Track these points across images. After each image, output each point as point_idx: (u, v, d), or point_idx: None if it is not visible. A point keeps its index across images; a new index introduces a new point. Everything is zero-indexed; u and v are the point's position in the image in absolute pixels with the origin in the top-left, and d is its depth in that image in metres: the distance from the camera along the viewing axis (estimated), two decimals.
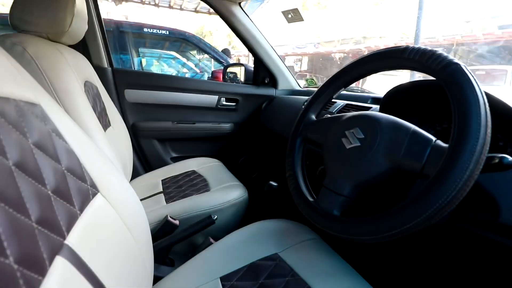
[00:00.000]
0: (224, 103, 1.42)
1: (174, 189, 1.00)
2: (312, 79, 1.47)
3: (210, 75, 3.04)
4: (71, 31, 0.76)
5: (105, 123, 0.93)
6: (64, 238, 0.32)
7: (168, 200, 0.92)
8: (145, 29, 2.65)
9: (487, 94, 0.49)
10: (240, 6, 1.22)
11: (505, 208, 0.45)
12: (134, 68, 2.80)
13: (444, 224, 0.52)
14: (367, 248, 0.87)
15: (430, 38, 8.51)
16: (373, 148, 0.46)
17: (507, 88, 6.04)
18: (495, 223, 0.46)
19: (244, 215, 0.96)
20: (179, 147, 1.44)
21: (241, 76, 1.54)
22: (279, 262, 0.59)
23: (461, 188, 0.35)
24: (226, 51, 3.52)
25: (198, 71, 3.32)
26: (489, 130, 0.37)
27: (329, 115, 0.62)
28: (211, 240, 0.78)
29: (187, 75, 3.46)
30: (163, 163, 1.37)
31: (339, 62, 12.05)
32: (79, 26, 0.81)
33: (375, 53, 0.53)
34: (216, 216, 0.78)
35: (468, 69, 0.40)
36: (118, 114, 1.11)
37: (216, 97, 1.40)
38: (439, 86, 0.43)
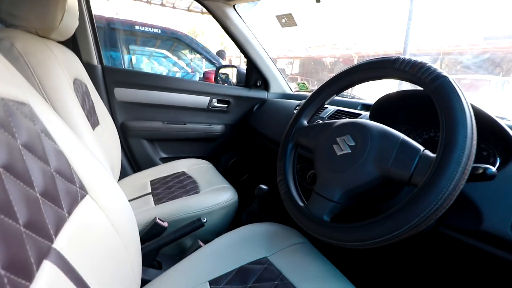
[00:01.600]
0: (216, 104, 1.42)
1: (163, 190, 0.99)
2: (304, 83, 1.49)
3: (201, 75, 3.03)
4: (62, 27, 0.74)
5: (94, 122, 0.91)
6: (52, 242, 0.31)
7: (157, 201, 0.91)
8: (137, 27, 2.61)
9: (472, 106, 0.52)
10: (234, 8, 1.22)
11: (488, 217, 0.47)
12: (124, 66, 2.75)
13: (430, 231, 0.54)
14: (355, 253, 0.88)
15: (418, 47, 8.78)
16: (363, 155, 0.47)
17: (490, 97, 6.30)
18: (478, 230, 0.48)
19: (234, 218, 0.96)
20: (169, 148, 1.43)
21: (233, 78, 1.54)
22: (268, 266, 0.59)
23: (447, 198, 0.36)
24: (220, 53, 3.50)
25: (190, 70, 3.29)
26: (474, 142, 0.38)
27: (321, 121, 0.63)
28: (200, 243, 0.77)
29: (178, 75, 3.42)
30: (152, 164, 1.35)
31: (329, 67, 12.23)
32: (70, 22, 0.79)
33: (367, 63, 0.54)
34: (205, 219, 0.78)
35: (456, 82, 0.42)
36: (107, 112, 1.09)
37: (207, 98, 1.39)
38: (427, 97, 0.45)
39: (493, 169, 0.39)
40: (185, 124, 1.38)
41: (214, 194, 0.93)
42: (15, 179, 0.28)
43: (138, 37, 2.80)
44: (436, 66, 0.45)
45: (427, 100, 0.52)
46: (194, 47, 2.86)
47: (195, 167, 1.16)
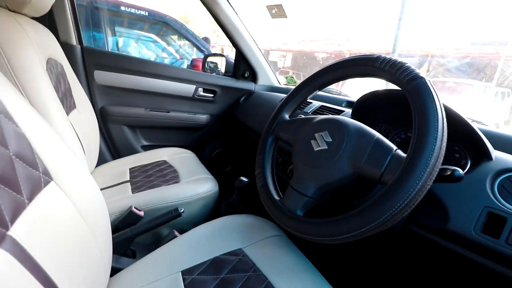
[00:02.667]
0: (202, 93, 1.39)
1: (142, 178, 0.97)
2: (292, 77, 1.48)
3: (190, 63, 2.96)
4: (35, 2, 0.69)
5: (69, 105, 0.87)
6: (8, 229, 0.30)
7: (135, 190, 0.89)
8: (123, 7, 2.48)
9: (447, 108, 0.53)
10: None
11: (454, 217, 0.48)
12: (108, 48, 2.63)
13: (400, 227, 0.55)
14: (330, 247, 0.90)
15: (408, 48, 8.94)
16: (339, 152, 0.48)
17: (471, 101, 6.53)
18: (444, 230, 0.49)
19: (213, 209, 0.95)
20: (151, 136, 1.39)
21: (221, 67, 1.51)
22: (242, 257, 0.60)
23: (413, 197, 0.37)
24: (206, 39, 3.45)
25: (178, 57, 3.21)
26: (444, 144, 0.39)
27: (303, 116, 0.63)
28: (176, 233, 0.76)
29: (166, 61, 3.33)
30: (133, 151, 1.31)
31: (321, 62, 12.26)
32: None
33: (349, 60, 0.54)
34: (183, 209, 0.77)
35: (431, 84, 0.42)
36: (85, 96, 1.04)
37: (193, 87, 1.36)
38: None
39: (461, 171, 0.40)
40: (169, 112, 1.35)
41: (194, 184, 0.92)
42: None
43: (124, 19, 2.68)
44: (417, 67, 0.46)
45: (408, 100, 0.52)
46: (183, 33, 2.78)
47: (177, 157, 1.15)
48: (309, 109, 0.95)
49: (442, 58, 9.26)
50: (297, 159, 0.54)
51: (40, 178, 0.37)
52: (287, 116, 0.63)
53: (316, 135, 0.52)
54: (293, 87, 1.54)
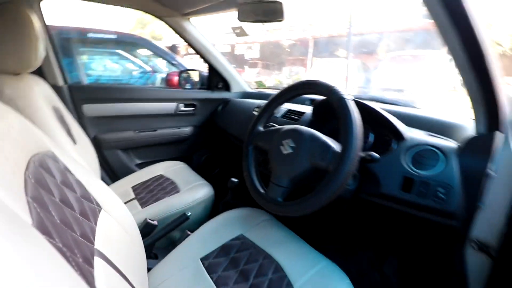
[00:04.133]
0: (183, 108, 1.54)
1: (146, 194, 1.12)
2: (261, 81, 1.68)
3: (157, 73, 3.01)
4: (37, 63, 0.82)
5: (73, 141, 1.00)
6: (93, 244, 0.46)
7: (143, 205, 1.04)
8: (91, 34, 2.51)
9: (369, 108, 0.74)
10: (190, 21, 1.33)
11: (384, 184, 0.70)
12: (79, 72, 2.65)
13: (352, 197, 0.76)
14: (306, 221, 1.12)
15: (367, 28, 9.37)
16: (300, 154, 0.67)
17: (427, 68, 7.06)
18: (379, 193, 0.71)
19: (212, 208, 1.13)
20: (143, 154, 1.52)
21: (197, 81, 1.66)
22: (244, 240, 0.78)
23: (345, 178, 0.57)
24: (173, 46, 3.52)
25: (149, 69, 3.26)
26: (360, 142, 0.59)
27: (275, 125, 0.82)
28: (188, 232, 0.94)
29: (135, 73, 3.36)
30: (129, 171, 1.44)
31: (288, 50, 12.49)
32: (42, 54, 0.85)
33: (302, 83, 0.74)
34: (190, 213, 0.94)
35: (351, 102, 0.62)
36: (80, 129, 1.16)
37: (175, 104, 1.50)
38: None
39: (376, 154, 0.61)
40: (156, 130, 1.49)
41: (193, 191, 1.09)
42: (65, 207, 0.42)
43: (92, 44, 2.68)
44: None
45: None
46: (153, 50, 2.86)
47: (171, 169, 1.29)
48: (279, 113, 1.14)
49: (399, 32, 9.86)
50: (273, 161, 0.73)
51: (96, 209, 0.53)
52: (261, 128, 0.82)
53: (283, 141, 0.71)
54: (263, 89, 1.73)
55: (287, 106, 1.18)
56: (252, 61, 12.28)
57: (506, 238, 0.62)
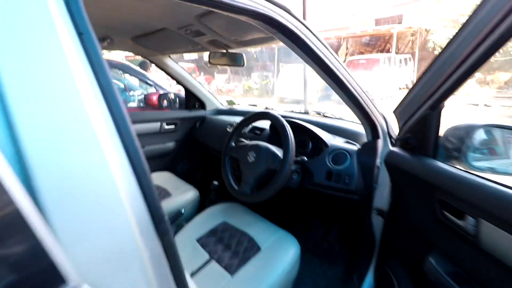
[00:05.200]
0: (166, 127, 1.81)
1: None
2: (231, 101, 2.00)
3: (132, 90, 3.20)
4: None
5: None
6: None
7: None
8: None
9: (301, 126, 1.11)
10: (170, 57, 1.63)
11: (316, 176, 1.06)
12: None
13: (298, 187, 1.12)
14: (270, 207, 1.47)
15: (325, 35, 10.10)
16: (259, 161, 1.01)
17: (381, 72, 7.83)
18: (313, 182, 1.07)
19: (199, 206, 1.43)
20: None
21: (175, 103, 1.95)
22: (226, 225, 1.10)
23: (286, 174, 0.92)
24: (143, 64, 3.71)
25: (124, 87, 3.44)
26: (293, 151, 0.95)
27: (241, 143, 1.15)
28: (184, 223, 1.23)
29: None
30: None
31: (255, 56, 12.96)
32: None
33: (257, 114, 1.08)
34: (183, 209, 1.24)
35: (285, 123, 0.98)
36: None
37: (159, 123, 1.78)
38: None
39: (305, 158, 0.98)
40: (144, 147, 1.75)
41: (182, 194, 1.38)
42: None
43: None
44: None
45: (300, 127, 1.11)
46: (132, 74, 3.05)
47: (161, 179, 1.57)
48: (247, 129, 1.48)
49: (355, 38, 10.75)
50: (243, 167, 1.06)
51: None
52: (233, 144, 1.15)
53: (248, 153, 1.05)
54: (234, 105, 2.07)
55: (252, 123, 1.52)
56: (222, 68, 12.57)
57: (391, 205, 1.00)
